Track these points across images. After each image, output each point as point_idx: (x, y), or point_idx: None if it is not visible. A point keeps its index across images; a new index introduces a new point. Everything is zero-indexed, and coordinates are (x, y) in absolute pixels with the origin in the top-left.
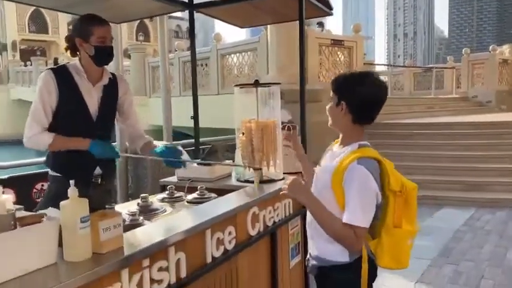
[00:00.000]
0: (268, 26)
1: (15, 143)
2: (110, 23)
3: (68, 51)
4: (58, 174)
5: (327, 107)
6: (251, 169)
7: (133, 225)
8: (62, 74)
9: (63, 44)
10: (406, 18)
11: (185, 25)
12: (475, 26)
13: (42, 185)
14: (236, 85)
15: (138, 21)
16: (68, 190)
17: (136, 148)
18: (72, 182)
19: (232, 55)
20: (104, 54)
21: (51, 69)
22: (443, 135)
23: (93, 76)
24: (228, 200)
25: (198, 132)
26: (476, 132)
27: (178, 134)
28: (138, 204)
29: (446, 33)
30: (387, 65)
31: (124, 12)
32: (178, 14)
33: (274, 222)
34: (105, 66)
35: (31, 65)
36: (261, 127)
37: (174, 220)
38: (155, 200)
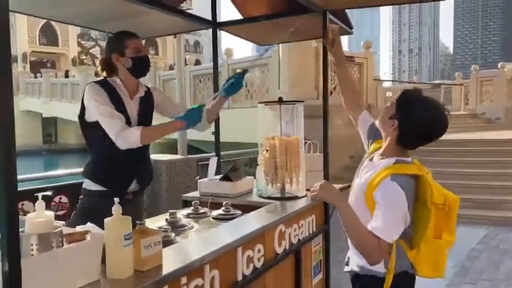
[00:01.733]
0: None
1: (23, 153)
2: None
3: (104, 72)
4: (93, 189)
5: (383, 109)
6: (273, 185)
7: (165, 241)
8: (106, 86)
9: (72, 56)
10: (411, 33)
11: (193, 39)
12: (479, 42)
13: (61, 198)
14: (260, 102)
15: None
16: (113, 208)
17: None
18: (116, 199)
19: None
20: (141, 64)
21: (95, 82)
22: (453, 153)
23: (131, 89)
24: (256, 217)
25: (219, 147)
26: (488, 149)
27: (189, 148)
28: (166, 219)
29: (451, 49)
30: (396, 81)
31: (150, 29)
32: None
33: (299, 240)
34: (140, 80)
35: (41, 76)
36: (285, 144)
37: (207, 237)
38: (180, 215)
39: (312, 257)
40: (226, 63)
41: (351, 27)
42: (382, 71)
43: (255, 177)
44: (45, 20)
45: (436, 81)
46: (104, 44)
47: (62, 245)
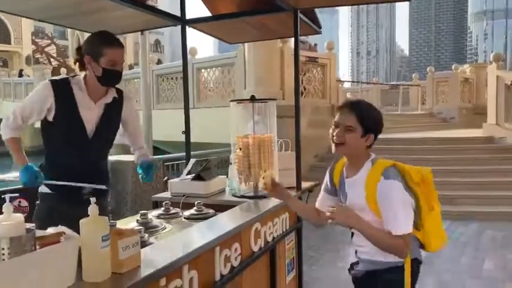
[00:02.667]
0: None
1: None
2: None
3: (77, 64)
4: (49, 192)
5: (347, 136)
6: (247, 184)
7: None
8: (61, 86)
9: (26, 55)
10: (369, 36)
11: (153, 38)
12: (433, 45)
13: (20, 202)
14: (232, 100)
15: None
16: (89, 208)
17: (134, 158)
18: (93, 199)
19: (209, 69)
20: (111, 78)
21: (51, 81)
22: (412, 151)
23: (96, 93)
24: (230, 216)
25: (190, 147)
26: (445, 147)
27: (155, 148)
28: (137, 221)
29: (407, 52)
30: (357, 82)
31: (115, 26)
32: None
33: (274, 237)
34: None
35: None
36: (258, 142)
37: (183, 237)
38: (151, 216)
39: (285, 254)
40: (190, 63)
41: (320, 27)
42: (341, 73)
43: (227, 177)
44: None
45: (395, 83)
46: (60, 42)
47: (35, 249)
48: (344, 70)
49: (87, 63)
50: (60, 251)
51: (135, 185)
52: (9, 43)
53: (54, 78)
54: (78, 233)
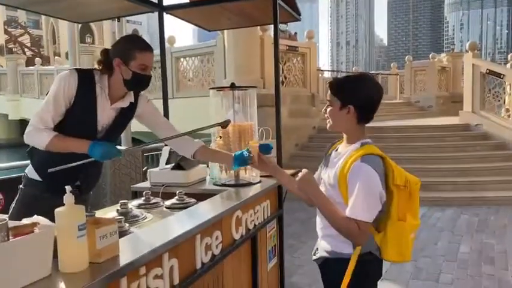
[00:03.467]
0: (225, 30)
1: None
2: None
3: (101, 66)
4: (36, 178)
5: (328, 110)
6: (227, 172)
7: (120, 232)
8: (86, 78)
9: None
10: (348, 26)
11: (130, 28)
12: (411, 35)
13: None
14: (212, 88)
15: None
16: (64, 196)
17: (188, 155)
18: (68, 187)
19: (187, 58)
20: (139, 83)
21: (77, 70)
22: (391, 138)
23: (115, 95)
24: (212, 204)
25: None
26: (422, 135)
27: (132, 140)
28: (117, 210)
29: (385, 41)
30: (335, 71)
31: (89, 12)
32: (136, 18)
33: (255, 225)
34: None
35: None
36: (238, 130)
37: (164, 226)
38: (131, 206)
39: (267, 242)
40: (169, 52)
41: (299, 14)
42: (321, 63)
43: (207, 166)
44: None
45: (374, 72)
46: (34, 31)
47: (8, 239)
48: (324, 60)
49: (116, 65)
50: (34, 241)
51: (113, 176)
52: None
53: (79, 67)
54: None
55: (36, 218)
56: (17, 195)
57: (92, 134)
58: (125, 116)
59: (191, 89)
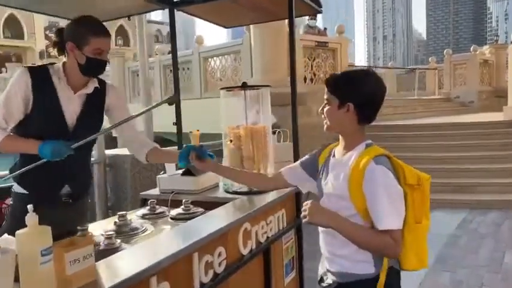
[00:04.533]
0: (252, 27)
1: None
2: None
3: (55, 49)
4: (23, 191)
5: (325, 110)
6: None
7: (108, 250)
8: (39, 74)
9: (40, 49)
10: (385, 21)
11: (165, 30)
12: (451, 27)
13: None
14: (222, 88)
15: (117, 25)
16: (26, 217)
17: (141, 159)
18: (30, 206)
19: (215, 58)
20: (95, 67)
21: (29, 67)
22: (429, 137)
23: (76, 83)
24: (217, 216)
25: (181, 139)
26: (464, 132)
27: (160, 140)
28: (115, 223)
29: (424, 35)
30: (369, 67)
31: (98, 11)
32: (158, 18)
33: (268, 237)
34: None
35: (6, 71)
36: (251, 133)
37: (155, 244)
38: (135, 216)
39: (283, 255)
40: (197, 51)
41: (320, 6)
42: (357, 59)
43: None
44: (8, 13)
45: (411, 67)
46: None
47: None
48: (360, 56)
49: (69, 50)
50: None
51: (133, 179)
52: (23, 38)
53: (31, 65)
54: (57, 237)
55: (2, 239)
56: (7, 212)
57: (64, 128)
58: (93, 103)
59: (219, 88)
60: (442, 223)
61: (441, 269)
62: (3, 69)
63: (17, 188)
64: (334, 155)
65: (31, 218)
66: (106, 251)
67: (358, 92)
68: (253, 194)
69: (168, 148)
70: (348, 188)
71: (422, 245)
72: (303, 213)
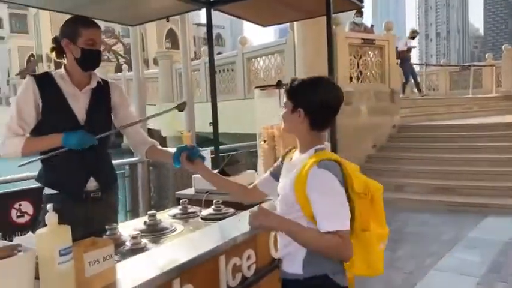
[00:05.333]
0: (295, 26)
1: None
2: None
3: (54, 53)
4: (52, 192)
5: (282, 114)
6: None
7: (134, 250)
8: (43, 79)
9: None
10: (439, 17)
11: (215, 32)
12: (510, 22)
13: (20, 205)
14: (256, 87)
15: (167, 29)
16: (46, 216)
17: (141, 155)
18: (50, 206)
19: (259, 58)
20: (90, 58)
21: (33, 75)
22: (485, 138)
23: (80, 80)
24: (247, 217)
25: (218, 139)
26: None
27: (204, 139)
28: (145, 222)
29: (481, 31)
30: (420, 64)
31: (138, 13)
32: (219, 22)
33: None
34: (95, 71)
35: None
36: (284, 133)
37: (180, 245)
38: (166, 216)
39: None
40: (240, 52)
41: (361, 1)
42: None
43: (256, 171)
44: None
45: (465, 64)
46: (126, 40)
47: None
48: (412, 54)
49: (65, 46)
50: (8, 268)
51: (175, 177)
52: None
53: (34, 73)
54: (83, 235)
55: (26, 237)
56: (41, 213)
57: (75, 123)
58: (99, 98)
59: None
60: (497, 230)
61: (495, 279)
62: None
63: (47, 190)
64: (291, 159)
65: (50, 217)
66: (131, 251)
67: (309, 99)
68: None
69: (165, 148)
70: (294, 191)
71: (372, 252)
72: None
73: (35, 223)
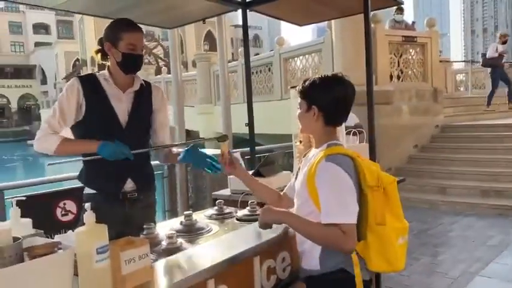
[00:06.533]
0: (333, 25)
1: None
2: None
3: (99, 55)
4: (92, 191)
5: (297, 114)
6: None
7: (170, 249)
8: (88, 81)
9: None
10: (485, 11)
11: (252, 33)
12: None
13: (65, 203)
14: (292, 87)
15: (206, 31)
16: (84, 215)
17: (159, 159)
18: (88, 205)
19: (296, 58)
20: (131, 63)
21: (78, 77)
22: None
23: (123, 82)
24: None
25: (253, 140)
26: None
27: (240, 140)
28: (181, 222)
29: None
30: (465, 61)
31: (175, 16)
32: (256, 23)
33: None
34: (137, 74)
35: None
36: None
37: (215, 245)
38: (203, 216)
39: None
40: (277, 53)
41: None
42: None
43: (291, 172)
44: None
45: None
46: (165, 43)
47: (22, 260)
48: (457, 51)
49: (107, 50)
50: (48, 265)
51: (212, 179)
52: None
53: (80, 75)
54: (121, 234)
55: (65, 236)
56: (81, 213)
57: (117, 125)
58: (142, 101)
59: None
60: None
61: None
62: None
63: (87, 190)
64: (308, 155)
65: (89, 216)
66: (167, 251)
67: (322, 96)
68: None
69: (177, 150)
70: (306, 185)
71: (390, 247)
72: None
73: (77, 221)
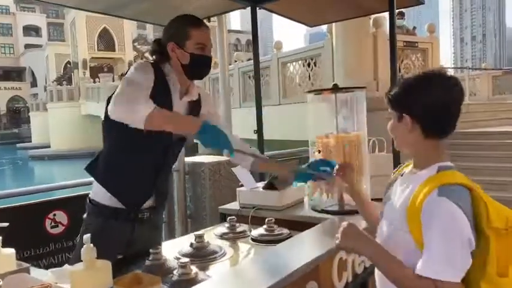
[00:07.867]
0: (334, 29)
1: (84, 156)
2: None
3: (155, 56)
4: (102, 203)
5: (388, 127)
6: (329, 195)
7: (183, 281)
8: (159, 70)
9: (128, 60)
10: (474, 20)
11: (244, 38)
12: None
13: (55, 214)
14: (309, 91)
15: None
16: (82, 250)
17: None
18: (87, 236)
19: (294, 63)
20: (200, 65)
21: (151, 63)
22: None
23: (181, 88)
24: (306, 241)
25: (263, 147)
26: None
27: None
28: (191, 244)
29: None
30: (462, 68)
31: (178, 13)
32: (237, 27)
33: (365, 268)
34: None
35: (99, 81)
36: (342, 143)
37: (236, 277)
38: (213, 235)
39: None
40: (275, 57)
41: None
42: (443, 60)
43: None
44: (102, 26)
45: (506, 68)
46: None
47: None
48: (446, 57)
49: (170, 51)
50: None
51: (213, 189)
52: (114, 50)
53: (151, 61)
54: (123, 258)
55: (55, 272)
56: (81, 227)
57: (168, 135)
58: (194, 111)
59: (298, 94)
60: None
61: None
62: (97, 80)
63: (96, 196)
64: (401, 174)
65: (88, 252)
66: (180, 283)
67: (415, 100)
68: (345, 214)
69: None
70: (406, 218)
71: None
72: (336, 235)
73: (68, 234)
